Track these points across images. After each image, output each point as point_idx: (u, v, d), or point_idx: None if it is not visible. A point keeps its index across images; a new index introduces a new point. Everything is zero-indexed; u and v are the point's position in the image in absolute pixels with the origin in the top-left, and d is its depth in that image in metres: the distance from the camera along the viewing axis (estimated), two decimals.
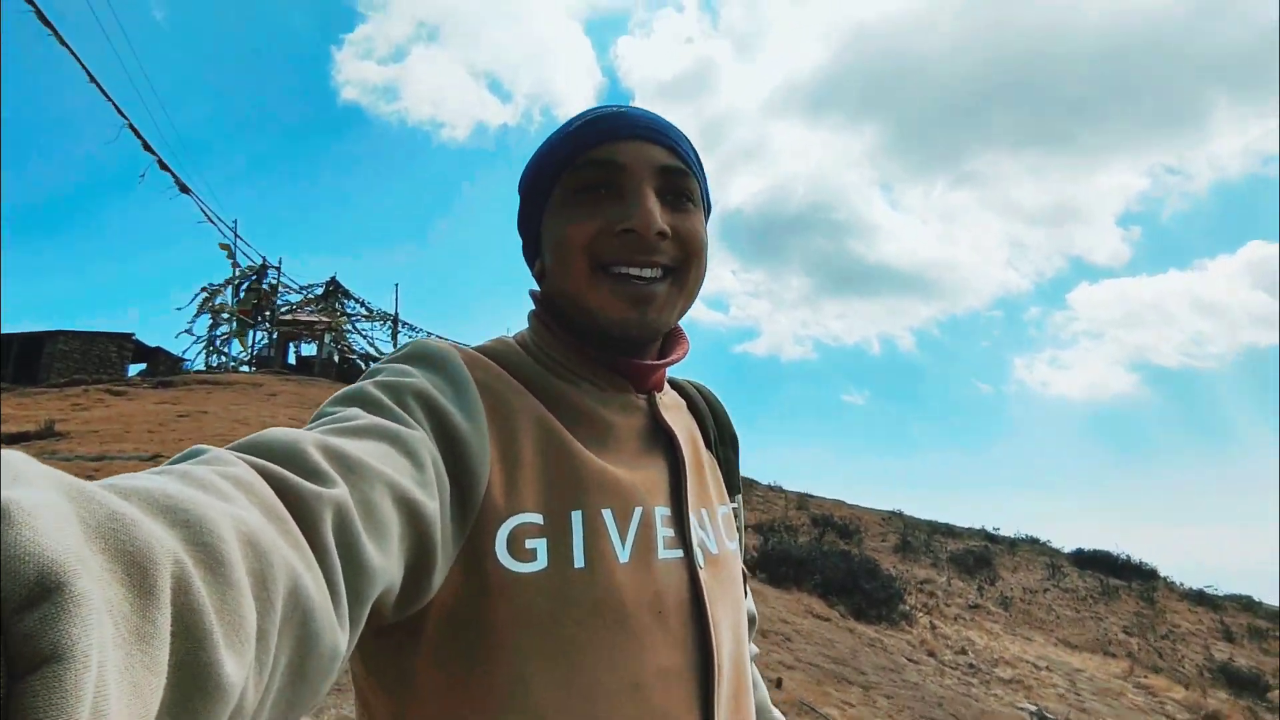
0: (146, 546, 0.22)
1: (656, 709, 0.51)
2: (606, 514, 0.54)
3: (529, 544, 0.50)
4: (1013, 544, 17.49)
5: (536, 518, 0.51)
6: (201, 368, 21.12)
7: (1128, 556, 15.94)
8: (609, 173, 0.59)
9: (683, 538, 0.58)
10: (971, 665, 6.02)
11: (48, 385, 15.30)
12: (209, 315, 21.07)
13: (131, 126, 9.63)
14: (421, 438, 0.46)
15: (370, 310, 25.51)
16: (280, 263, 23.60)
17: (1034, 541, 18.33)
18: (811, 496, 19.27)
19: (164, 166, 10.57)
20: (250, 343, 22.80)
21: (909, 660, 5.67)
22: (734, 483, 0.74)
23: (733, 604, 0.61)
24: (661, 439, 0.64)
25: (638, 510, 0.55)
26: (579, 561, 0.51)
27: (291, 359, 24.12)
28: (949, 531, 18.16)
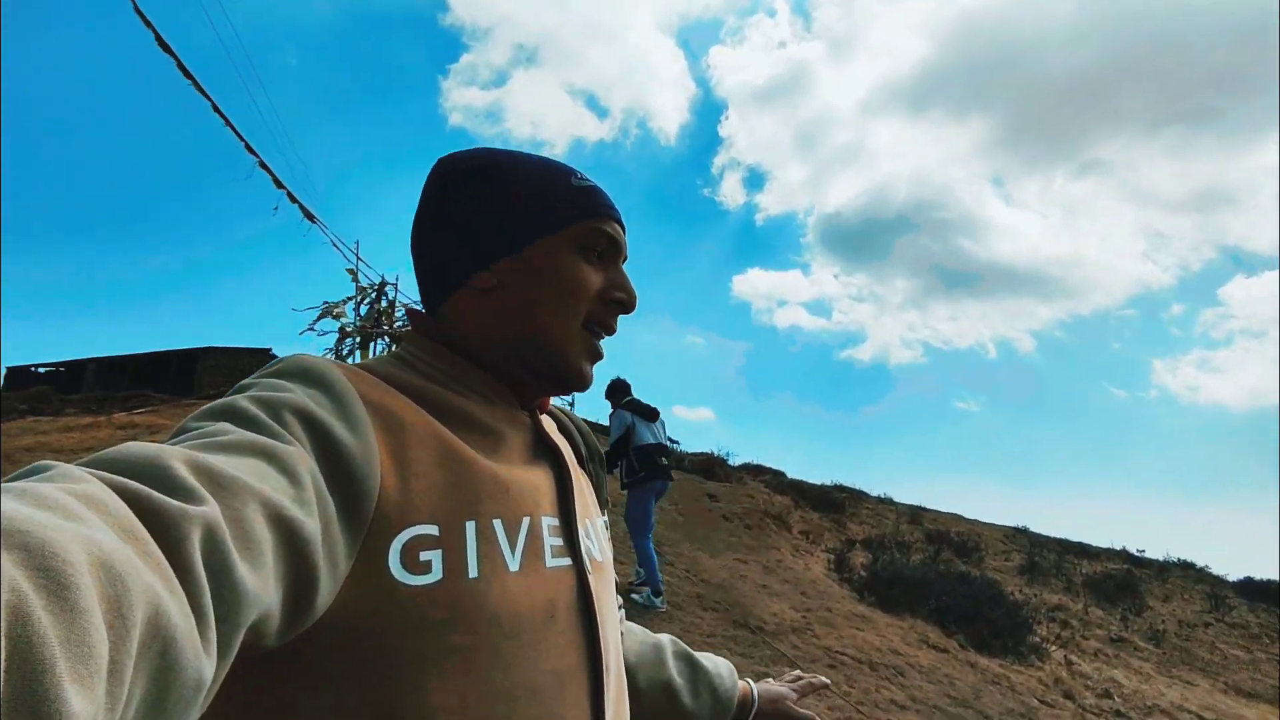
0: None
1: (553, 711, 0.52)
2: (497, 524, 0.54)
3: (423, 556, 0.49)
4: (1162, 568, 15.68)
5: (431, 529, 0.50)
6: None
7: None
8: (610, 246, 0.65)
9: (571, 546, 0.60)
10: (1119, 712, 5.32)
11: (200, 397, 16.98)
12: (334, 324, 22.66)
13: (263, 164, 10.49)
14: (298, 453, 0.44)
15: None
16: (398, 280, 25.09)
17: (1188, 566, 16.33)
18: (925, 510, 18.12)
19: (293, 199, 11.45)
20: (371, 355, 24.35)
21: (1041, 702, 5.09)
22: (602, 497, 0.78)
23: (613, 609, 0.65)
24: (545, 453, 0.66)
25: (526, 520, 0.56)
26: (473, 571, 0.50)
27: None
28: (1083, 551, 16.53)
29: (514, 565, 0.53)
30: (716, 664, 0.89)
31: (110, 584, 0.25)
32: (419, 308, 0.67)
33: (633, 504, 5.11)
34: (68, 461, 0.32)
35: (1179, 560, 16.53)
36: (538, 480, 0.61)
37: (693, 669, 0.87)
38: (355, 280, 20.78)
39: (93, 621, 0.24)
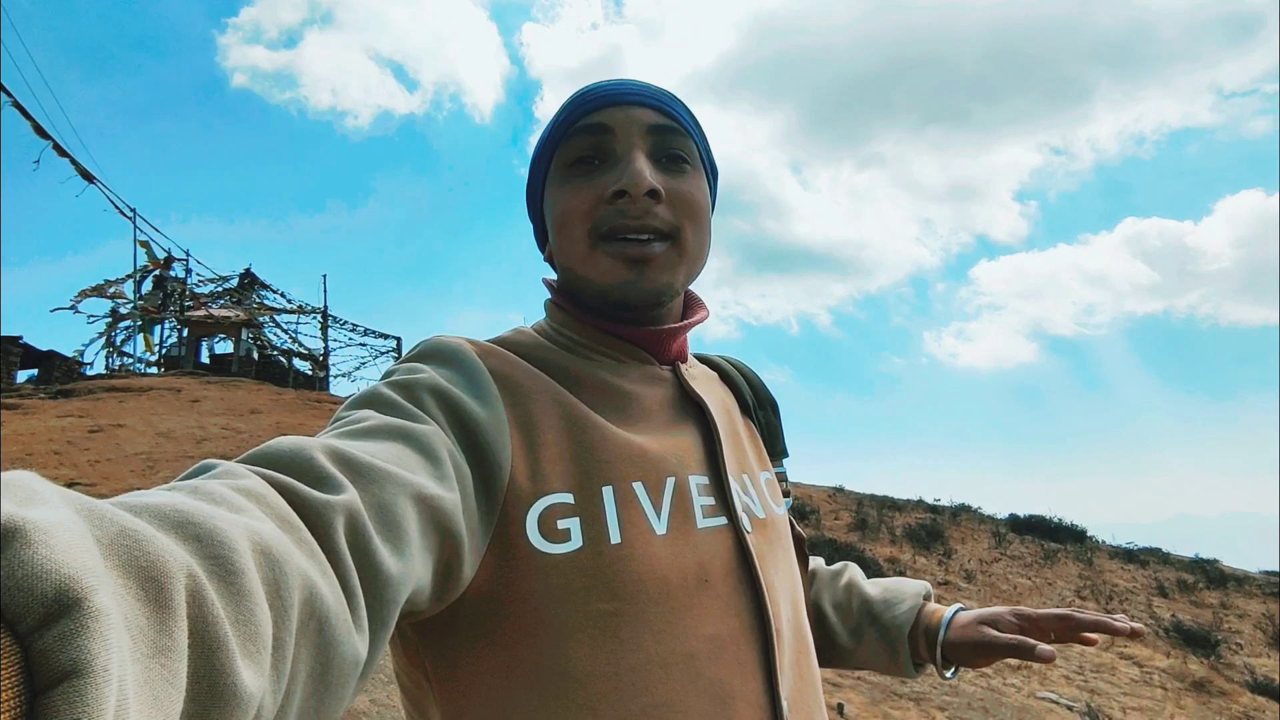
0: (160, 560, 0.22)
1: (711, 678, 0.50)
2: (638, 486, 0.53)
3: (561, 524, 0.50)
4: (954, 514, 18.19)
5: (566, 497, 0.51)
6: (103, 371, 19.16)
7: (1060, 519, 16.84)
8: (599, 138, 0.60)
9: (725, 505, 0.58)
10: None
11: None
12: (107, 304, 19.04)
13: (17, 104, 8.37)
14: (435, 432, 0.46)
15: (291, 303, 23.85)
16: (188, 254, 21.70)
17: (968, 509, 19.09)
18: None
19: (61, 152, 9.27)
20: (157, 341, 20.89)
21: None
22: (776, 447, 0.74)
23: (787, 568, 0.61)
24: (691, 408, 0.63)
25: (670, 480, 0.55)
26: (615, 537, 0.50)
27: (204, 358, 22.31)
28: (892, 505, 18.69)
29: (660, 529, 0.53)
30: (891, 590, 0.79)
31: (270, 569, 0.28)
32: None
33: None
34: None
35: (961, 505, 19.30)
36: (682, 439, 0.59)
37: (850, 594, 0.79)
38: (149, 252, 17.61)
39: (258, 603, 0.26)
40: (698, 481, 0.57)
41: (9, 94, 8.15)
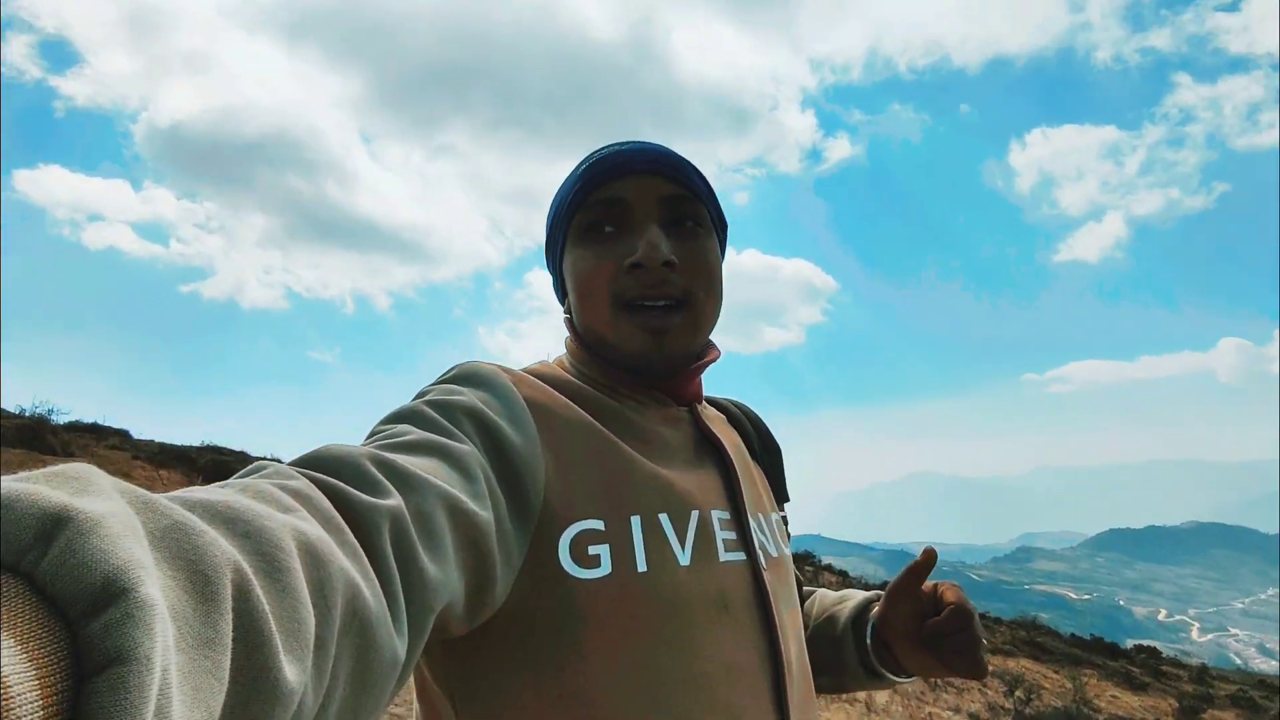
0: (208, 554, 0.23)
1: (722, 701, 0.52)
2: (664, 518, 0.55)
3: (592, 550, 0.51)
4: None
5: (597, 524, 0.53)
6: None
7: None
8: (615, 210, 0.64)
9: (744, 540, 0.61)
10: None
11: None
12: None
13: None
14: (471, 452, 0.47)
15: None
16: None
17: None
18: None
19: None
20: None
21: None
22: (781, 491, 0.77)
23: (794, 607, 0.64)
24: (709, 448, 0.66)
25: (694, 514, 0.58)
26: (641, 565, 0.52)
27: None
28: None
29: (684, 560, 0.55)
30: (846, 594, 0.81)
31: (315, 568, 0.28)
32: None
33: None
34: None
35: None
36: (704, 476, 0.63)
37: (812, 604, 0.83)
38: None
39: (302, 601, 0.26)
40: (719, 516, 0.60)
41: None
